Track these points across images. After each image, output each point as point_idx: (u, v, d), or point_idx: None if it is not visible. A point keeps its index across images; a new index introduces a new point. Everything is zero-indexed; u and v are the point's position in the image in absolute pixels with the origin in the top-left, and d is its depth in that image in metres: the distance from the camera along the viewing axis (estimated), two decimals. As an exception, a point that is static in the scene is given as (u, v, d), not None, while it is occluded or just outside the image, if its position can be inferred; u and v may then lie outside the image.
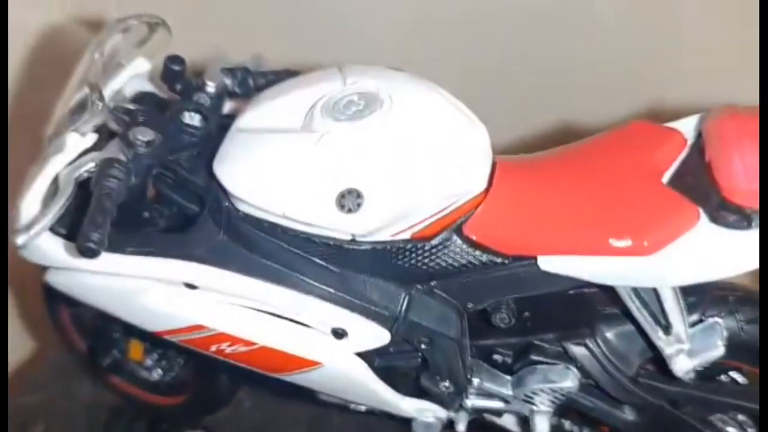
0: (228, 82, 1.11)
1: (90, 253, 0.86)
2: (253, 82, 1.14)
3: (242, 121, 1.01)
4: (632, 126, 1.04)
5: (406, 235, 0.96)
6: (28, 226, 0.89)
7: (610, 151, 1.02)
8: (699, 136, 0.98)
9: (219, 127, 1.05)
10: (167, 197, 1.07)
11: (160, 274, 0.98)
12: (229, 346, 1.03)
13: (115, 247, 0.97)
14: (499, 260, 0.98)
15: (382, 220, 0.92)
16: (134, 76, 1.09)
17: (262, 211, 0.94)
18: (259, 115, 1.01)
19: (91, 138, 0.97)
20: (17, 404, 1.48)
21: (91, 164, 0.94)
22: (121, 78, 1.08)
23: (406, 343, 1.06)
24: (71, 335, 1.36)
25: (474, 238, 0.97)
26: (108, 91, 1.05)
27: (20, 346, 1.61)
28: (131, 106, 1.05)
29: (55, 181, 0.94)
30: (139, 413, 1.46)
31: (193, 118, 1.03)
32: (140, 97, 1.10)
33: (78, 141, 0.96)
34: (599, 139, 1.04)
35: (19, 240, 0.88)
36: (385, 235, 0.95)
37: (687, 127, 1.01)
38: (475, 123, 1.00)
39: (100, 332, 1.28)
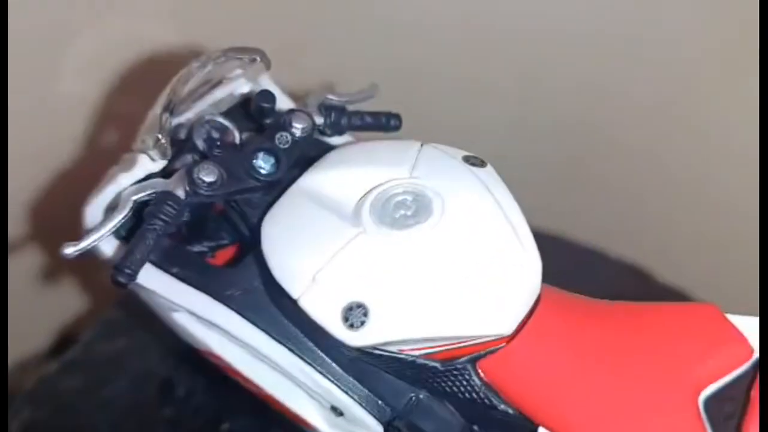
0: (320, 120, 1.10)
1: (119, 285, 0.92)
2: (347, 122, 1.12)
3: (306, 180, 1.00)
4: (698, 309, 0.92)
5: (414, 353, 0.94)
6: (81, 237, 0.95)
7: (661, 333, 0.91)
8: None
9: (297, 165, 1.05)
10: (230, 221, 1.10)
11: (188, 304, 1.02)
12: (243, 380, 1.08)
13: (163, 264, 1.02)
14: (502, 407, 0.94)
15: (385, 341, 0.90)
16: (231, 94, 1.11)
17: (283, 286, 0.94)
18: (323, 179, 0.99)
19: (161, 164, 1.02)
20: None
21: (152, 191, 0.98)
22: (219, 93, 1.10)
23: None
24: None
25: (483, 376, 0.93)
26: (203, 104, 1.09)
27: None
28: (223, 120, 1.07)
29: (119, 196, 1.00)
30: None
31: (265, 161, 1.03)
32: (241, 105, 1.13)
33: (146, 164, 1.00)
34: (656, 311, 0.94)
35: (67, 251, 0.94)
36: (391, 348, 0.93)
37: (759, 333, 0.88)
38: (530, 256, 0.93)
39: None
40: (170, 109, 0.99)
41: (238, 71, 1.09)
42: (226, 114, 1.10)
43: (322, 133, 1.12)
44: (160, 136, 0.97)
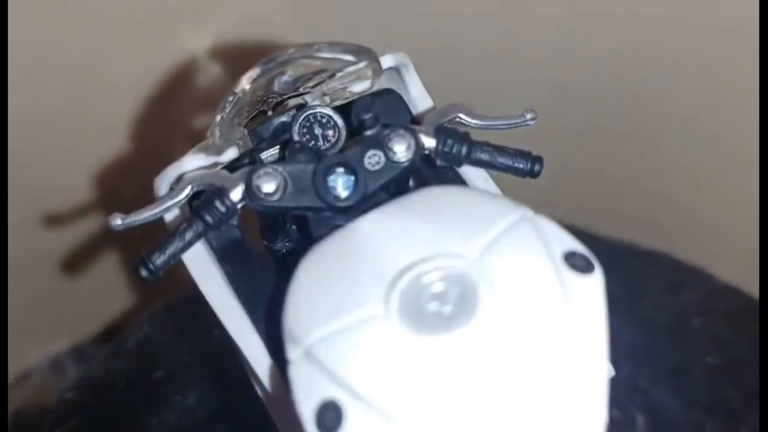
0: (430, 145, 0.90)
1: (140, 276, 0.84)
2: (466, 154, 0.90)
3: (370, 219, 0.82)
4: None
5: None
6: (129, 215, 0.88)
7: None
8: None
9: (389, 192, 0.88)
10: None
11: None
12: None
13: (220, 257, 0.93)
14: None
15: None
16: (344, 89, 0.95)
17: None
18: (383, 227, 0.80)
19: (231, 154, 0.91)
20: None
21: (210, 183, 0.88)
22: (335, 83, 0.95)
23: None
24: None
25: None
26: (313, 96, 0.95)
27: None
28: (331, 114, 0.94)
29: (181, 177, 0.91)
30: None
31: (343, 182, 0.86)
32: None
33: (215, 150, 0.90)
34: None
35: (113, 222, 0.87)
36: None
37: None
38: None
39: None
40: (250, 85, 0.85)
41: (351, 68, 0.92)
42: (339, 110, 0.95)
43: (430, 159, 0.91)
44: (221, 116, 0.85)
